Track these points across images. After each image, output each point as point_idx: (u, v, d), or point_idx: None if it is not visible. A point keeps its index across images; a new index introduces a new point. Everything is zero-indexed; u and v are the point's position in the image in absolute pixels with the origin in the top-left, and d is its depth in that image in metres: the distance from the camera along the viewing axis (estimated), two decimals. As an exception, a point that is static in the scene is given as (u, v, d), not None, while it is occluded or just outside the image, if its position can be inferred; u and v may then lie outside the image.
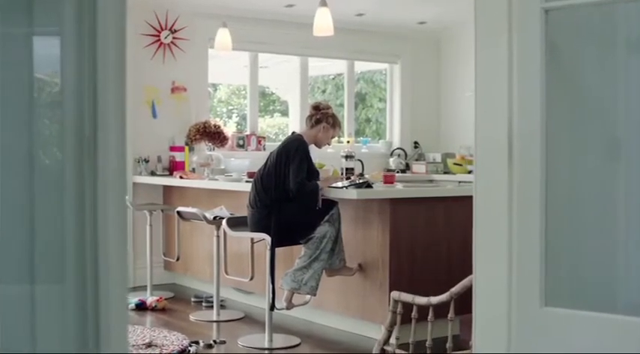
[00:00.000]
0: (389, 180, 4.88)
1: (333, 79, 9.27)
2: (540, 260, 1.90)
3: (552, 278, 1.90)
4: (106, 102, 1.28)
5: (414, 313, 2.54)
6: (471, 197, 4.96)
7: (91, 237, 1.41)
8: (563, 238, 1.93)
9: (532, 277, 1.92)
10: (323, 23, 5.38)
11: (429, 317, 2.42)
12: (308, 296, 4.62)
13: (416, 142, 8.20)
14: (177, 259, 6.06)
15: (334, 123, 4.80)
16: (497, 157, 1.98)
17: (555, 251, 1.91)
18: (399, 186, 4.89)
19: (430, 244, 4.74)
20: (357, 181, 4.68)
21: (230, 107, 9.19)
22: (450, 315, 2.40)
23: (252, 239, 4.93)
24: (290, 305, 4.64)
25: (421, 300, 2.38)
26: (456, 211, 4.86)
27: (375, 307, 4.64)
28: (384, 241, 4.59)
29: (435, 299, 2.35)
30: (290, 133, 5.12)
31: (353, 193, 4.45)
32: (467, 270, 4.95)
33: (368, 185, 4.58)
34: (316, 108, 4.82)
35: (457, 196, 4.89)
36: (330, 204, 4.61)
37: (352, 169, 5.12)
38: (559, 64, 1.96)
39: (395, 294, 2.49)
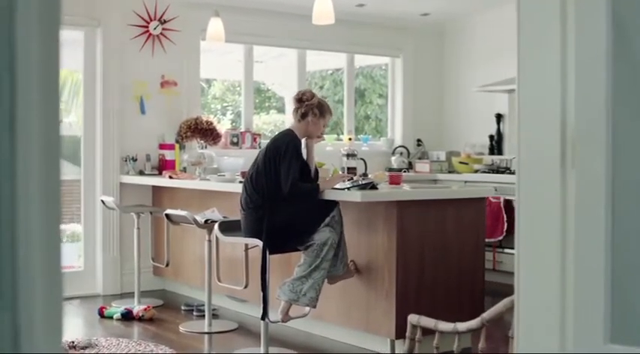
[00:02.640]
0: (395, 180, 4.51)
1: (332, 74, 8.91)
2: (605, 287, 1.53)
3: (619, 308, 1.52)
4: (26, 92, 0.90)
5: (436, 341, 2.16)
6: (483, 199, 4.60)
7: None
8: (632, 259, 1.55)
9: (593, 307, 1.55)
10: (323, 10, 4.99)
11: (455, 347, 2.05)
12: (307, 308, 4.24)
13: (419, 140, 7.86)
14: (167, 265, 5.68)
15: (322, 112, 4.39)
16: (546, 161, 1.61)
17: (623, 275, 1.54)
18: (405, 187, 4.52)
19: (440, 251, 4.38)
20: (361, 182, 4.31)
21: (225, 104, 8.85)
22: (480, 344, 2.03)
23: (246, 245, 4.56)
24: (286, 318, 4.26)
25: (446, 326, 2.01)
26: (468, 215, 4.51)
27: (380, 319, 4.28)
28: (390, 247, 4.22)
29: (462, 326, 1.98)
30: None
31: (357, 195, 4.07)
32: (479, 279, 4.62)
33: (373, 186, 4.21)
34: (299, 100, 4.43)
35: (469, 199, 4.54)
36: (331, 206, 4.24)
37: (354, 168, 4.74)
38: (626, 45, 1.58)
39: (413, 318, 2.12)
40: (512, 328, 1.87)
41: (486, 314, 1.93)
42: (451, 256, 4.43)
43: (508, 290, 6.25)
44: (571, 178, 1.57)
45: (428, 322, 2.08)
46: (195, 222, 4.80)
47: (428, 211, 4.33)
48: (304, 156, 4.37)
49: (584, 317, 1.57)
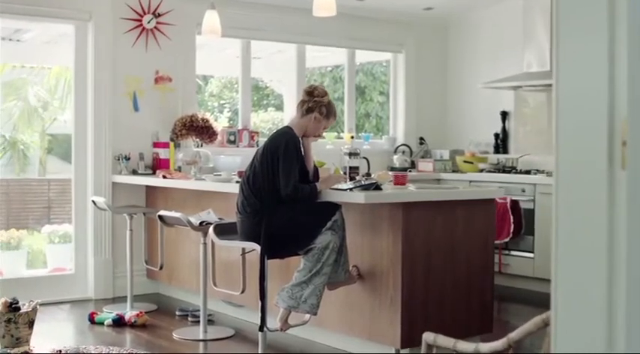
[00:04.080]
0: (400, 181, 4.27)
1: (331, 71, 8.69)
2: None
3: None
4: None
5: (454, 363, 1.94)
6: (492, 201, 4.36)
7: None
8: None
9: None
10: (324, 1, 4.76)
11: (477, 370, 1.82)
12: (307, 315, 4.01)
13: (421, 138, 7.64)
14: (161, 268, 5.45)
15: (328, 113, 4.14)
16: (591, 161, 1.38)
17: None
18: (411, 187, 4.29)
19: (448, 255, 4.16)
20: (364, 183, 4.08)
21: (222, 101, 8.65)
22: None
23: (243, 249, 4.33)
24: (285, 326, 4.03)
25: (466, 346, 1.79)
26: (477, 217, 4.29)
27: (385, 327, 4.05)
28: (396, 252, 3.99)
29: (485, 347, 1.76)
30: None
31: (360, 197, 3.85)
32: (489, 284, 4.38)
33: (377, 187, 3.99)
34: (310, 93, 4.17)
35: (478, 200, 4.31)
36: (333, 209, 4.00)
37: (357, 167, 4.51)
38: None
39: (429, 337, 1.90)
40: (543, 349, 1.65)
41: (514, 334, 1.70)
42: (459, 260, 4.21)
43: (515, 294, 6.01)
44: (621, 180, 1.34)
45: (446, 341, 1.86)
46: (190, 224, 4.57)
47: (435, 213, 4.10)
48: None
49: (636, 337, 1.35)
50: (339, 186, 4.07)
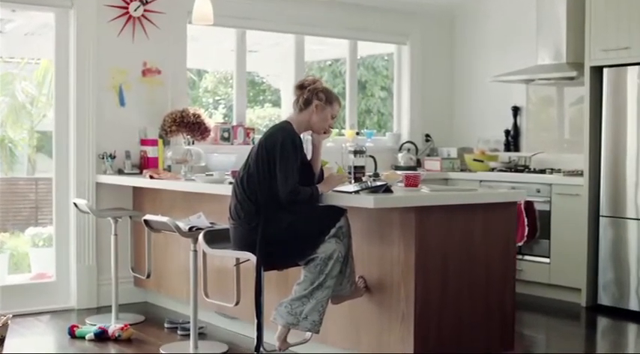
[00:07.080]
0: (412, 182, 3.85)
1: (330, 65, 8.33)
2: None
3: None
4: None
5: None
6: (513, 204, 3.93)
7: None
8: None
9: None
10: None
11: None
12: (308, 333, 3.61)
13: (427, 135, 7.31)
14: (148, 276, 5.03)
15: (328, 98, 3.72)
16: None
17: None
18: (424, 189, 3.87)
19: (466, 264, 3.77)
20: (371, 184, 3.68)
21: (217, 97, 8.28)
22: None
23: (237, 259, 3.91)
24: (284, 345, 3.63)
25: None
26: (498, 222, 3.90)
27: (395, 344, 3.66)
28: (408, 261, 3.59)
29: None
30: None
31: (369, 200, 3.44)
32: (510, 295, 3.95)
33: (387, 189, 3.58)
34: (301, 87, 3.76)
35: (497, 203, 3.90)
36: (337, 214, 3.59)
37: (362, 167, 4.10)
38: None
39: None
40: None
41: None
42: (478, 270, 3.82)
43: (529, 302, 5.58)
44: None
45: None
46: (178, 230, 4.15)
47: (451, 218, 3.70)
48: (309, 154, 3.74)
49: None
50: (344, 188, 3.67)
